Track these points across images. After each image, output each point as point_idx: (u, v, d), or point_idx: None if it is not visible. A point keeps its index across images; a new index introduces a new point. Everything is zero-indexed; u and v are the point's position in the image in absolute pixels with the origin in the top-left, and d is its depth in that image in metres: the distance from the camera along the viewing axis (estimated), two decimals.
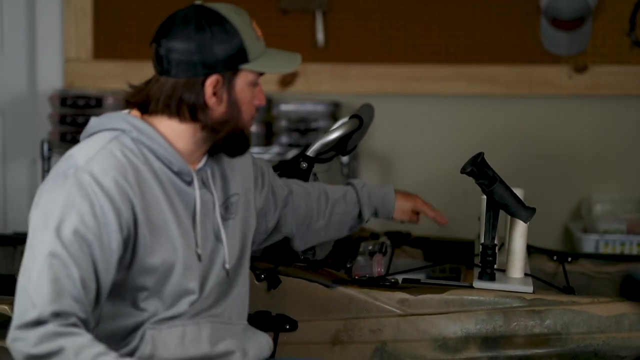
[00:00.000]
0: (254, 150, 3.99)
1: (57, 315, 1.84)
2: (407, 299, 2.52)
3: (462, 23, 4.06)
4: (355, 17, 4.10)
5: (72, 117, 4.00)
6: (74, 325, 1.85)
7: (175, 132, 2.05)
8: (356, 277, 2.60)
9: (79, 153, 1.98)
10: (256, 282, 2.54)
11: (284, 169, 2.67)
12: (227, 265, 2.13)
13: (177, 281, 2.02)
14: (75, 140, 3.96)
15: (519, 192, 2.58)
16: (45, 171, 3.95)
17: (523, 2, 4.02)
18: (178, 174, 2.05)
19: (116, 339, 2.01)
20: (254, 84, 2.07)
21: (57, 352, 1.81)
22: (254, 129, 4.01)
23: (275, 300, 2.53)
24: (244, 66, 2.03)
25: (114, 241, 1.92)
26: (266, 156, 3.99)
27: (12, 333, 1.86)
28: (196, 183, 2.08)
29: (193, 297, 2.05)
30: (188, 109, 2.02)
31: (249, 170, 2.29)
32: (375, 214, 2.66)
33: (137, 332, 2.02)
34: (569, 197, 4.10)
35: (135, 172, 1.98)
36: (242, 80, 2.04)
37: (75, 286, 1.86)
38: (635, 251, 3.69)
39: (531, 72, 4.04)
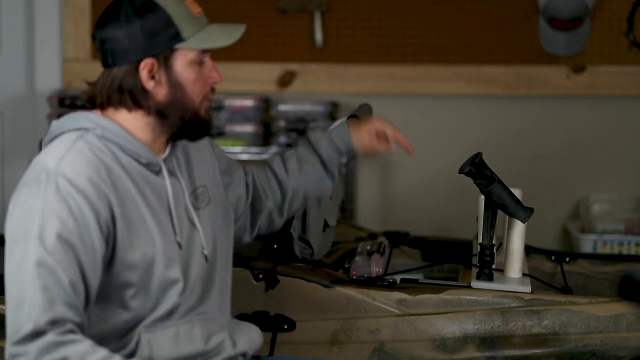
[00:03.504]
0: (252, 150, 3.99)
1: (53, 323, 1.82)
2: (405, 299, 2.52)
3: (461, 23, 4.06)
4: (353, 18, 4.09)
5: None
6: (72, 332, 1.84)
7: (131, 123, 2.05)
8: (354, 277, 2.60)
9: (47, 157, 1.96)
10: (254, 282, 2.54)
11: None
12: (205, 252, 2.11)
13: (160, 273, 2.01)
14: None
15: (517, 192, 2.58)
16: None
17: (521, 3, 4.02)
18: (146, 165, 2.05)
19: (107, 343, 2.00)
20: (199, 63, 2.06)
21: None
22: (252, 128, 4.01)
23: (273, 300, 2.53)
24: (178, 46, 2.02)
25: (96, 240, 1.91)
26: (264, 156, 3.99)
27: (11, 349, 1.83)
28: (165, 172, 2.08)
29: (179, 286, 2.04)
30: (129, 96, 2.03)
31: (212, 162, 2.28)
32: (338, 152, 2.48)
33: (132, 336, 2.02)
34: (567, 197, 4.10)
35: (107, 169, 1.98)
36: (180, 61, 2.03)
37: (66, 291, 1.85)
38: (633, 251, 3.69)
39: (529, 72, 4.04)
